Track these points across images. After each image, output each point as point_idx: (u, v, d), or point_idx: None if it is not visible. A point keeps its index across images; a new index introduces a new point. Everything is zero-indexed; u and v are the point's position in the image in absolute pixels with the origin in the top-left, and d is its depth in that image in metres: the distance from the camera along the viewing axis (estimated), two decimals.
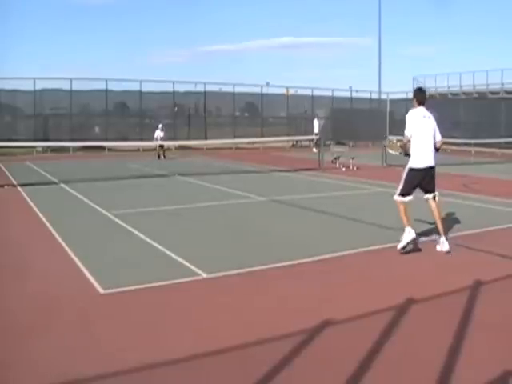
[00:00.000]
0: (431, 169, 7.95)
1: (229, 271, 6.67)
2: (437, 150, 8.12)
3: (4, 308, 5.54)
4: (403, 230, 7.73)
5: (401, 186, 7.89)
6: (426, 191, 8.08)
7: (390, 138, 17.41)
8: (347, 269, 7.03)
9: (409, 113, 8.16)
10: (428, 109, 8.17)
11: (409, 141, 7.91)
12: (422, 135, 7.89)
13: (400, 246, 7.64)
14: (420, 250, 7.84)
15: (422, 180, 7.92)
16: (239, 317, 5.29)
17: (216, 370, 4.17)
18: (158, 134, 27.26)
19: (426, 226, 9.27)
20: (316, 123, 31.72)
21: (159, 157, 26.27)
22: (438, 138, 8.16)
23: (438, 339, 4.66)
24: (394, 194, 7.97)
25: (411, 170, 7.87)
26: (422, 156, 7.85)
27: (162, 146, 26.61)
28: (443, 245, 7.75)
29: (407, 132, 7.94)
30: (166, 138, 27.66)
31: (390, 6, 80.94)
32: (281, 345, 4.51)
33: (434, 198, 8.09)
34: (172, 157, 27.17)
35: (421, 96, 8.23)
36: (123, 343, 4.64)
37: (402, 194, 7.87)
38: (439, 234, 7.90)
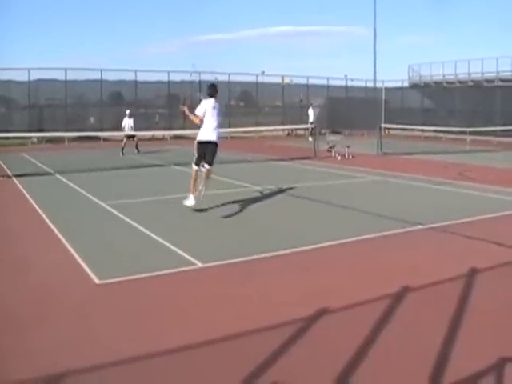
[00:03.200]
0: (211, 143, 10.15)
1: (224, 261, 6.68)
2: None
3: (0, 300, 5.54)
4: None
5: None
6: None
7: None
8: (342, 258, 7.04)
9: (202, 101, 10.50)
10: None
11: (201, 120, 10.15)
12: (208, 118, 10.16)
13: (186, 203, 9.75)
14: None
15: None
16: (235, 306, 5.30)
17: (212, 359, 4.17)
18: (127, 122, 23.33)
19: (419, 215, 9.30)
20: (311, 112, 31.68)
21: (123, 151, 22.08)
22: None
23: (434, 327, 4.68)
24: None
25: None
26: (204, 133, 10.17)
27: (132, 137, 22.77)
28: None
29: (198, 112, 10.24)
30: (136, 127, 23.62)
31: None
32: (277, 334, 4.52)
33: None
34: (151, 150, 23.99)
35: (211, 90, 10.60)
36: (119, 334, 4.65)
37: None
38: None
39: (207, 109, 10.18)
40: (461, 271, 6.18)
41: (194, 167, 10.03)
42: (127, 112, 23.62)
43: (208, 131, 10.15)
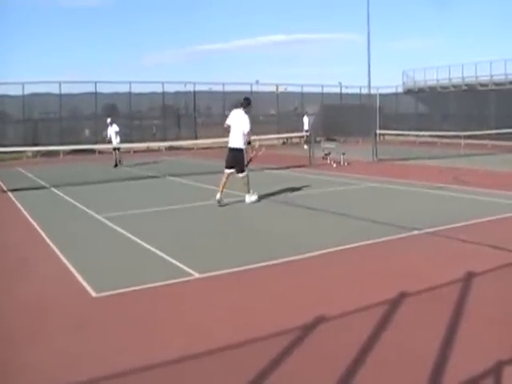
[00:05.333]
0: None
1: (221, 270, 6.67)
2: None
3: None
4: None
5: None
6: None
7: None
8: (339, 264, 7.03)
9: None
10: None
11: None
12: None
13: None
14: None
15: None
16: (233, 316, 5.29)
17: (210, 369, 4.16)
18: (109, 131, 22.34)
19: (415, 220, 9.31)
20: (306, 120, 31.74)
21: (116, 164, 21.89)
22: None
23: (432, 331, 4.68)
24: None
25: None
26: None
27: (118, 149, 22.15)
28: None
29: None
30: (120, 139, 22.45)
31: (379, 1, 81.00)
32: (275, 342, 4.51)
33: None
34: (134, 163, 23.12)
35: (242, 102, 12.03)
36: (116, 346, 4.63)
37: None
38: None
39: (232, 118, 11.80)
40: (457, 275, 6.18)
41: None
42: (108, 121, 22.57)
43: (232, 138, 11.82)
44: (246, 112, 11.79)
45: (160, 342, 4.70)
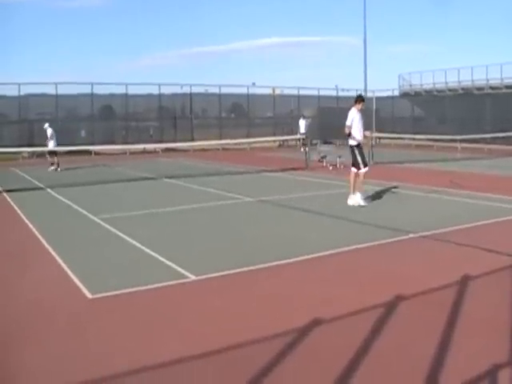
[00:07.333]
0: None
1: (217, 273, 6.66)
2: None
3: None
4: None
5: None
6: None
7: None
8: (334, 267, 7.04)
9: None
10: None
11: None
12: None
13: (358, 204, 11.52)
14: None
15: None
16: (228, 318, 5.28)
17: (205, 372, 4.16)
18: (50, 134, 21.93)
19: (411, 224, 9.32)
20: (302, 123, 31.74)
21: (53, 165, 21.34)
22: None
23: (427, 335, 4.69)
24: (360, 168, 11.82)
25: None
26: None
27: (54, 153, 21.58)
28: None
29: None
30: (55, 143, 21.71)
31: (376, 5, 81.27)
32: (270, 345, 4.51)
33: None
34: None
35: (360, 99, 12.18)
36: (111, 348, 4.62)
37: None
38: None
39: (354, 117, 11.86)
40: (453, 279, 6.19)
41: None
42: (46, 125, 22.24)
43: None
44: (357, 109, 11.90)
45: (155, 343, 4.69)
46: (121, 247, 8.24)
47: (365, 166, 11.85)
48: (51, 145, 21.68)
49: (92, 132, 32.62)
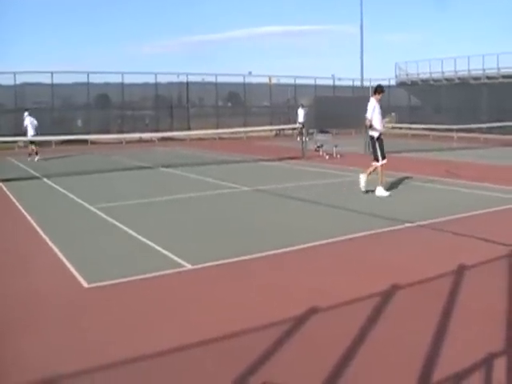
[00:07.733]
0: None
1: (214, 262, 6.67)
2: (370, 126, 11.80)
3: None
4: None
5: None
6: None
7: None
8: (331, 257, 7.05)
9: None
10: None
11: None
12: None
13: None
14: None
15: None
16: (225, 307, 5.29)
17: (203, 360, 4.17)
18: (29, 122, 21.77)
19: (407, 213, 9.33)
20: (301, 112, 31.67)
21: (30, 155, 21.30)
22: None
23: (424, 324, 4.70)
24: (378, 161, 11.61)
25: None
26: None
27: (33, 142, 21.36)
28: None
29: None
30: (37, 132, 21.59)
31: None
32: (267, 334, 4.52)
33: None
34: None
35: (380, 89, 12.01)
36: (108, 337, 4.63)
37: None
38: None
39: (375, 107, 11.70)
40: (449, 268, 6.21)
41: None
42: (25, 114, 22.20)
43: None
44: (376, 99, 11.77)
45: (152, 332, 4.70)
46: (117, 236, 8.24)
47: (383, 158, 11.69)
48: (30, 133, 21.45)
49: (88, 121, 32.51)
